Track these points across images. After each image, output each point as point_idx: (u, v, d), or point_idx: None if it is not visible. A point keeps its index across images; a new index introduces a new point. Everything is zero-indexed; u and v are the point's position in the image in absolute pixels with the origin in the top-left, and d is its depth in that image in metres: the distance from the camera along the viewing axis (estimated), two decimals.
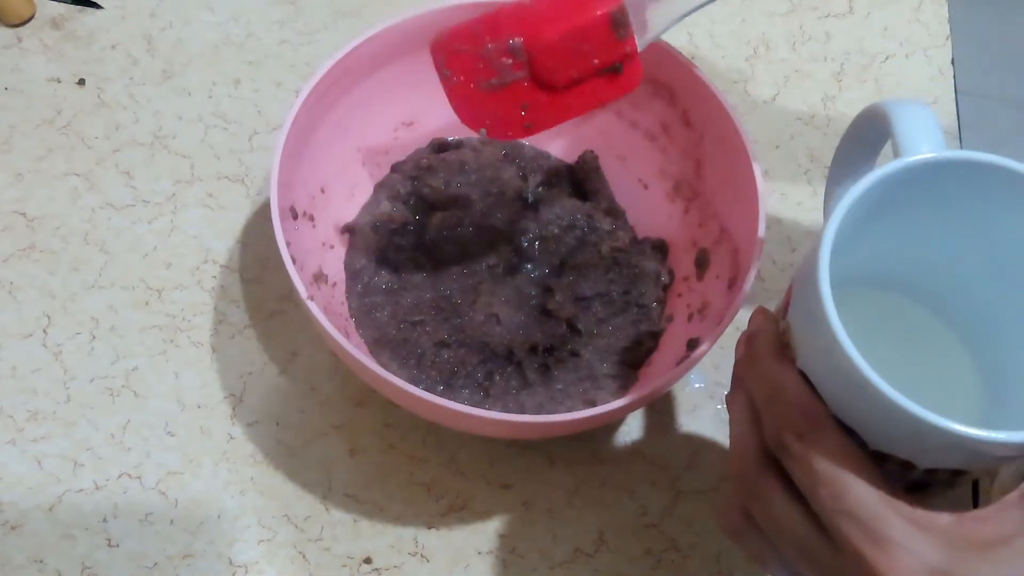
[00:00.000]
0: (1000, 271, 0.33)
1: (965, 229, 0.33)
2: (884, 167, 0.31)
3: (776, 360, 0.31)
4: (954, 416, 0.27)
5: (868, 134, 0.38)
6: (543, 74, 0.39)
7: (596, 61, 0.40)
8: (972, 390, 0.35)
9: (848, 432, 0.29)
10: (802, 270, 0.31)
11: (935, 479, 0.31)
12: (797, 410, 0.29)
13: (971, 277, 0.34)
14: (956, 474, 0.30)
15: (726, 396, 0.34)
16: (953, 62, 0.63)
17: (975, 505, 0.29)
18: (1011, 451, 0.28)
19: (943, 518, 0.28)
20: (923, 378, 0.35)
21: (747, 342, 0.32)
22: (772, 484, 0.30)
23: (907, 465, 0.30)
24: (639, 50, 0.40)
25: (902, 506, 0.28)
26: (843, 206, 0.30)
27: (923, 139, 0.32)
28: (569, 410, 0.46)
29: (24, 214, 0.53)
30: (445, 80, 0.41)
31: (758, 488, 0.31)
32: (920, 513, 0.28)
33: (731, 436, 0.33)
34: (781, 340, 0.31)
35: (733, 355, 0.35)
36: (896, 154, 0.32)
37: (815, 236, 0.30)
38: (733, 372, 0.34)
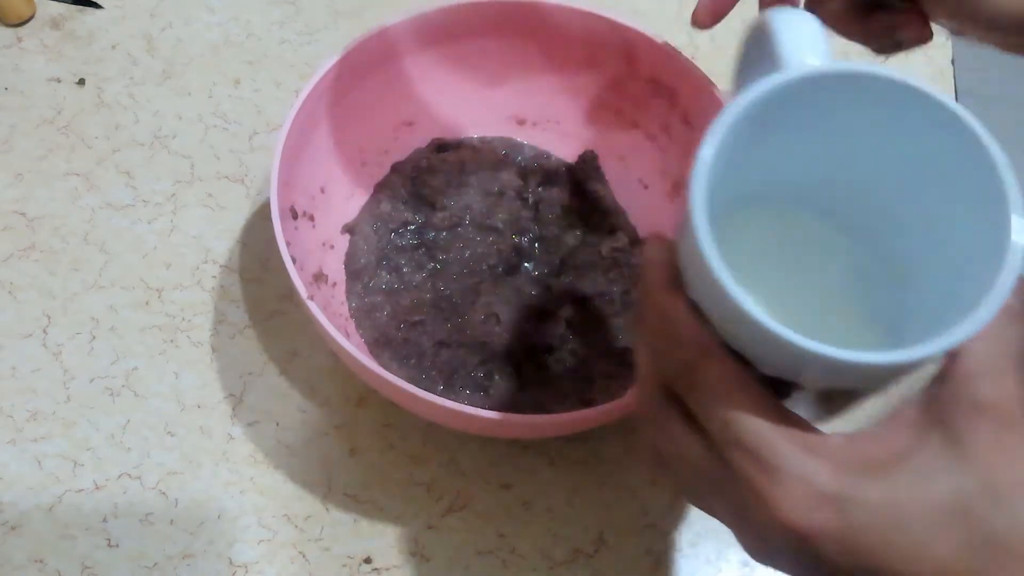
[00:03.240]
0: (899, 183, 0.31)
1: (859, 142, 0.30)
2: (758, 84, 0.28)
3: (665, 291, 0.29)
4: (858, 335, 0.26)
5: (757, 49, 0.34)
6: None
7: None
8: (883, 306, 0.32)
9: (742, 359, 0.28)
10: (684, 199, 0.29)
11: (834, 402, 0.29)
12: (685, 341, 0.28)
13: (872, 189, 0.32)
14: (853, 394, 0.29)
15: None
16: (953, 62, 0.63)
17: None
18: (893, 372, 0.26)
19: (835, 440, 0.27)
20: (827, 295, 0.33)
21: (641, 273, 0.31)
22: (673, 420, 0.29)
23: (800, 387, 0.28)
24: None
25: (793, 432, 0.26)
26: (715, 132, 0.27)
27: (807, 50, 0.29)
28: (568, 410, 0.46)
29: (24, 214, 0.53)
30: None
31: (660, 424, 0.29)
32: (812, 438, 0.26)
33: (636, 374, 0.31)
34: (673, 270, 0.30)
35: None
36: (777, 67, 0.30)
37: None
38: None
